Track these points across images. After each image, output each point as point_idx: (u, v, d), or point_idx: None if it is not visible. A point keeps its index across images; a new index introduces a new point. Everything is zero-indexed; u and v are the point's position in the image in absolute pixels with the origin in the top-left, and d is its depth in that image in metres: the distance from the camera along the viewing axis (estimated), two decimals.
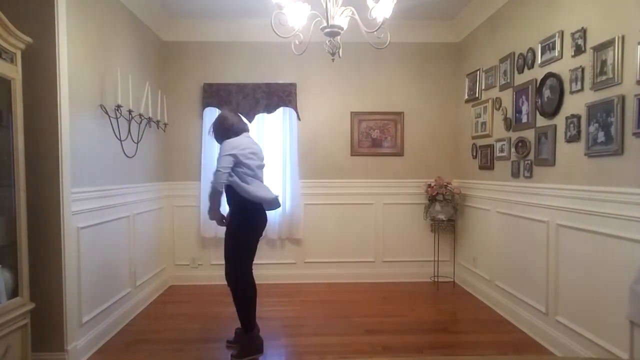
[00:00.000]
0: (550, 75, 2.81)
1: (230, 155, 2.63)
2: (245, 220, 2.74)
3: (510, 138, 3.37)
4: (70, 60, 2.55)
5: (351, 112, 4.45)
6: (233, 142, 2.70)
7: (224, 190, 2.69)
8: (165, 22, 4.18)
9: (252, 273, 2.82)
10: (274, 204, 2.83)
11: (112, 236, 3.17)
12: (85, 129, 2.80)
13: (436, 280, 4.33)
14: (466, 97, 4.22)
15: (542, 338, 2.90)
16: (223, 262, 2.82)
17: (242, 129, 2.86)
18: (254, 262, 2.86)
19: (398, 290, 4.17)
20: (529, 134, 3.09)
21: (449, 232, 4.33)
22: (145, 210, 3.78)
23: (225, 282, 2.80)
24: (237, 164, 2.67)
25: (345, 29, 2.35)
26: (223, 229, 2.88)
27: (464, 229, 4.28)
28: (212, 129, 2.90)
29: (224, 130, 2.81)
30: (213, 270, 4.23)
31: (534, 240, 3.01)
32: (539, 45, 2.93)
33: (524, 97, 3.16)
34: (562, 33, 2.72)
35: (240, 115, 2.99)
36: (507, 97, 3.42)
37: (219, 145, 2.82)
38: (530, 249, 3.07)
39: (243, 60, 4.37)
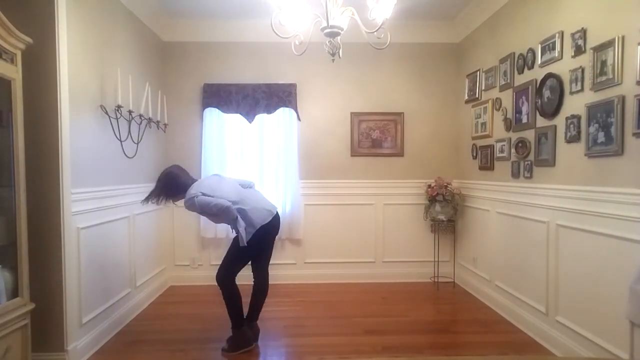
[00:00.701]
0: (550, 75, 2.82)
1: (201, 197, 2.64)
2: (258, 235, 2.79)
3: (510, 138, 3.37)
4: (70, 60, 2.55)
5: (351, 113, 4.45)
6: (189, 195, 2.68)
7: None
8: (165, 22, 4.18)
9: (267, 275, 3.03)
10: (269, 221, 2.86)
11: (112, 236, 3.17)
12: (85, 129, 2.81)
13: (436, 280, 4.33)
14: (466, 97, 4.22)
15: (542, 338, 2.90)
16: None
17: (187, 184, 2.80)
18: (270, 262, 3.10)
19: (398, 290, 4.17)
20: (529, 135, 3.09)
21: (449, 233, 4.33)
22: (145, 210, 3.77)
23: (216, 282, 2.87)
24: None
25: (345, 29, 2.35)
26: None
27: (464, 229, 4.28)
28: (160, 192, 2.80)
29: (176, 189, 2.79)
30: (213, 271, 4.13)
31: (534, 241, 3.01)
32: (539, 45, 2.93)
33: (524, 97, 3.16)
34: (562, 33, 2.72)
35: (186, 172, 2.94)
36: (507, 98, 3.42)
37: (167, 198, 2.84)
38: (530, 250, 3.07)
39: (243, 60, 4.37)
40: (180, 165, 2.99)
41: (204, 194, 2.67)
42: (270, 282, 4.16)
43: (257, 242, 2.80)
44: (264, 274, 2.99)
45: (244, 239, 2.69)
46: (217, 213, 2.69)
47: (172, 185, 2.80)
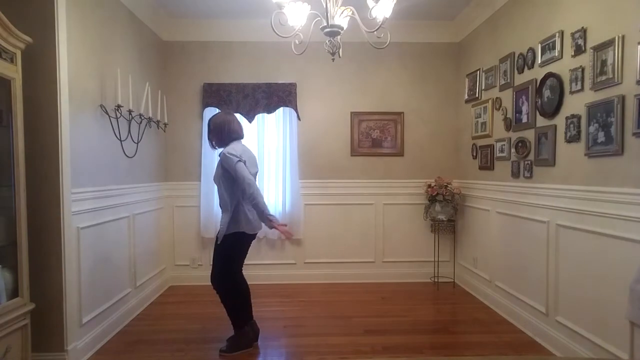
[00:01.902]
0: (550, 75, 2.81)
1: (241, 163, 2.66)
2: (238, 238, 2.77)
3: (510, 138, 3.37)
4: (70, 60, 2.55)
5: (351, 112, 4.45)
6: (235, 152, 2.68)
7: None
8: (165, 22, 4.18)
9: (242, 274, 2.90)
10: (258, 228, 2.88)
11: (112, 236, 3.17)
12: (85, 129, 2.80)
13: (436, 280, 4.33)
14: (466, 97, 4.22)
15: (542, 338, 2.90)
16: None
17: (241, 136, 2.87)
18: (252, 263, 2.96)
19: (398, 290, 4.17)
20: (529, 134, 3.09)
21: (449, 233, 4.33)
22: (145, 210, 3.78)
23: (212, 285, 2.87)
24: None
25: (345, 28, 2.35)
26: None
27: (464, 229, 4.28)
28: (210, 129, 2.86)
29: (225, 134, 2.80)
30: None
31: (534, 241, 3.01)
32: (539, 45, 2.93)
33: (524, 97, 3.16)
34: (562, 33, 2.72)
35: (239, 120, 2.94)
36: (507, 97, 3.42)
37: (211, 147, 2.94)
38: (530, 249, 3.07)
39: (243, 60, 4.37)
40: (237, 122, 2.87)
41: (245, 164, 2.68)
42: (270, 282, 4.29)
43: (241, 244, 2.82)
44: (242, 275, 2.92)
45: (223, 232, 2.69)
46: (244, 187, 2.63)
47: (217, 127, 2.80)
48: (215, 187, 2.89)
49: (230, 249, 2.77)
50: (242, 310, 2.85)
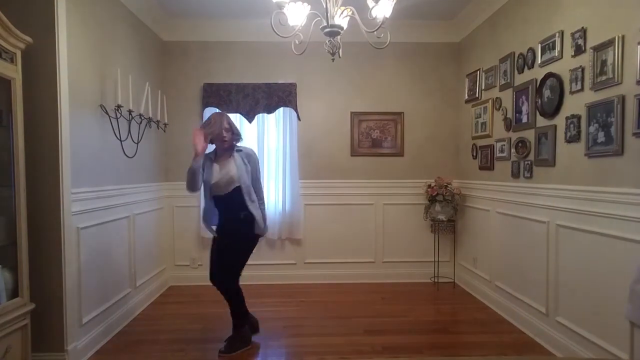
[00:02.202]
0: (550, 75, 2.81)
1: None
2: (254, 237, 2.90)
3: (510, 138, 3.37)
4: (70, 60, 2.54)
5: (351, 112, 4.45)
6: (255, 155, 2.98)
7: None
8: (165, 22, 4.18)
9: None
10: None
11: (112, 236, 3.17)
12: (85, 129, 2.80)
13: (436, 280, 4.32)
14: (466, 97, 4.22)
15: (542, 338, 2.90)
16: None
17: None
18: (252, 263, 3.09)
19: (398, 290, 4.17)
20: (529, 134, 3.09)
21: (449, 233, 4.33)
22: (145, 210, 3.78)
23: (213, 284, 2.93)
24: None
25: (345, 28, 2.35)
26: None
27: (464, 229, 4.28)
28: (232, 127, 2.86)
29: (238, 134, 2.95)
30: None
31: (534, 241, 3.01)
32: (539, 45, 2.93)
33: (524, 97, 3.16)
34: (562, 33, 2.72)
35: None
36: (507, 97, 3.42)
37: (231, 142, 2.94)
38: (530, 250, 3.07)
39: (243, 60, 4.37)
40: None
41: None
42: (270, 282, 4.30)
43: (254, 243, 2.95)
44: None
45: (264, 225, 2.85)
46: (261, 187, 2.94)
47: (233, 125, 2.90)
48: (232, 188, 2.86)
49: (253, 243, 2.90)
50: (244, 307, 2.91)
